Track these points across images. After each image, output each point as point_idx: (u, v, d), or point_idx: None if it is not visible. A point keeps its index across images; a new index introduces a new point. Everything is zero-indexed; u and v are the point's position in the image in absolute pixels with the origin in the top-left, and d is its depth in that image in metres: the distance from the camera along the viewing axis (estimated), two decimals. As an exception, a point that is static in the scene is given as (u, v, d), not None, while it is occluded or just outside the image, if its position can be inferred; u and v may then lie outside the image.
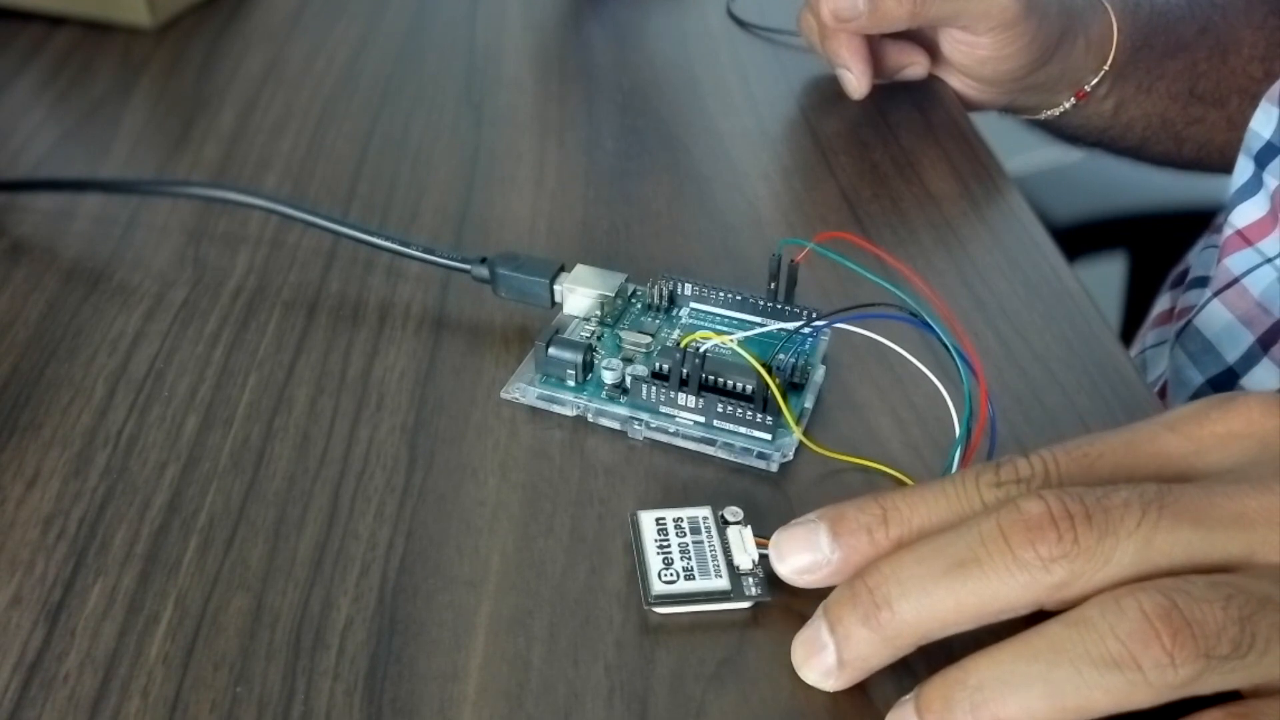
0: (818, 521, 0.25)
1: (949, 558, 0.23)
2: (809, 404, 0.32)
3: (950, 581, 0.23)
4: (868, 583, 0.24)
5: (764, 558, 0.27)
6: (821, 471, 0.30)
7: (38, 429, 0.32)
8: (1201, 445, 0.25)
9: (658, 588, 0.26)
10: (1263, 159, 0.45)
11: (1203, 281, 0.48)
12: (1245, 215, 0.46)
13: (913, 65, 0.50)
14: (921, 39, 0.50)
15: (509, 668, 0.25)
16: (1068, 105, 0.53)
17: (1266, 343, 0.43)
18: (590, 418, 0.32)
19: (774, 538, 0.26)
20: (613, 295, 0.34)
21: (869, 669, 0.24)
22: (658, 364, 0.32)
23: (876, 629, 0.23)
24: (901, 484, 0.30)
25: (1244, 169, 0.46)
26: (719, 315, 0.35)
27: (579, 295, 0.34)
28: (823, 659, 0.24)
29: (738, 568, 0.27)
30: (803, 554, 0.25)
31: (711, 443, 0.31)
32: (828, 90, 0.50)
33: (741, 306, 0.34)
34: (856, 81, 0.48)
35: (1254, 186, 0.46)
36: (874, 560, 0.24)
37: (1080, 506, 0.22)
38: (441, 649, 0.26)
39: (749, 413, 0.30)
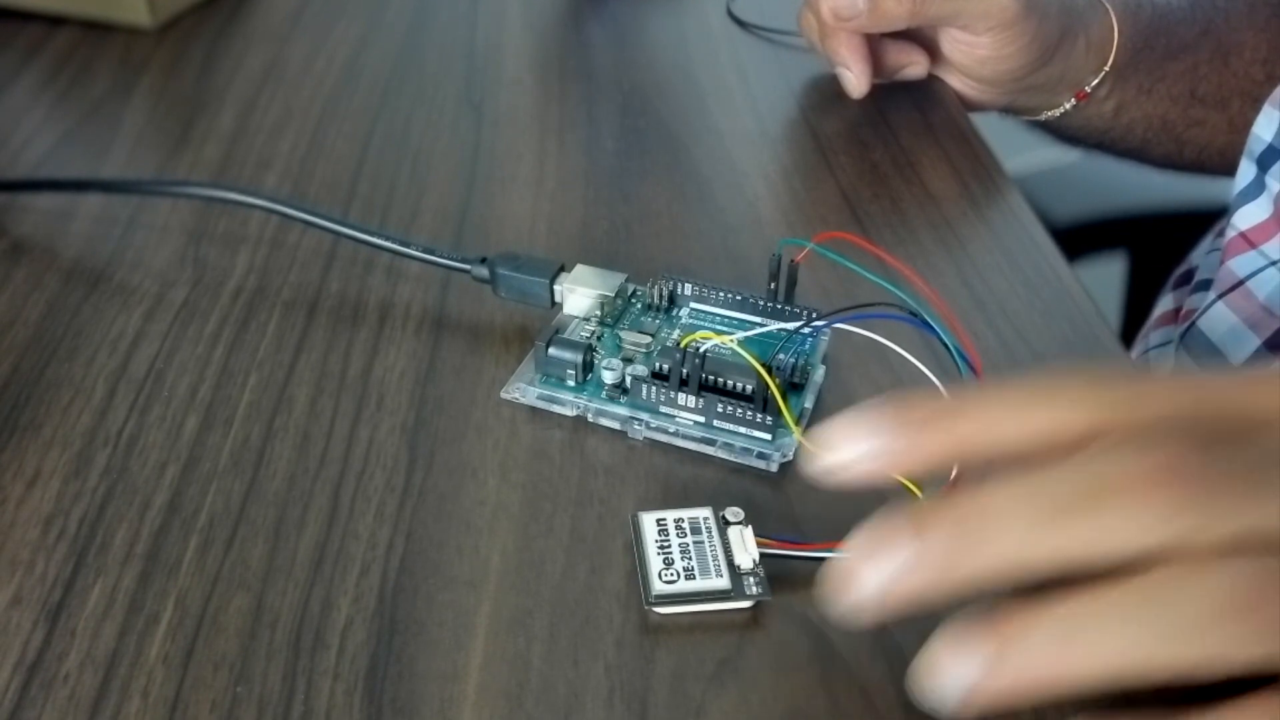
0: (881, 409, 0.22)
1: (1063, 495, 0.21)
2: (809, 404, 0.32)
3: (1062, 521, 0.21)
4: (972, 506, 0.21)
5: (765, 557, 0.27)
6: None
7: (38, 429, 0.32)
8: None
9: (658, 587, 0.26)
10: (1265, 162, 0.45)
11: (1208, 284, 0.48)
12: (1248, 218, 0.46)
13: (912, 65, 0.50)
14: (921, 39, 0.50)
15: (509, 668, 0.25)
16: (1068, 106, 0.53)
17: (1275, 345, 0.43)
18: (590, 418, 0.32)
19: (823, 428, 0.23)
20: (613, 295, 0.34)
21: (912, 599, 0.22)
22: (658, 364, 0.32)
23: (959, 558, 0.21)
24: (901, 487, 0.30)
25: (1246, 172, 0.46)
26: (719, 315, 0.35)
27: (579, 295, 0.34)
28: (880, 569, 0.22)
29: (738, 567, 0.27)
30: (861, 438, 0.23)
31: (711, 443, 0.31)
32: (828, 90, 0.50)
33: (741, 306, 0.34)
34: (856, 80, 0.48)
35: (1256, 189, 0.46)
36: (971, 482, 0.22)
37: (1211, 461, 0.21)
38: (441, 649, 0.26)
39: (749, 413, 0.30)
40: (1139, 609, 0.20)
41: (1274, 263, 0.44)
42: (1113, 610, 0.20)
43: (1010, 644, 0.21)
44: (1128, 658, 0.20)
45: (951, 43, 0.49)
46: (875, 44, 0.49)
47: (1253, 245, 0.45)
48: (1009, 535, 0.21)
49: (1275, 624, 0.20)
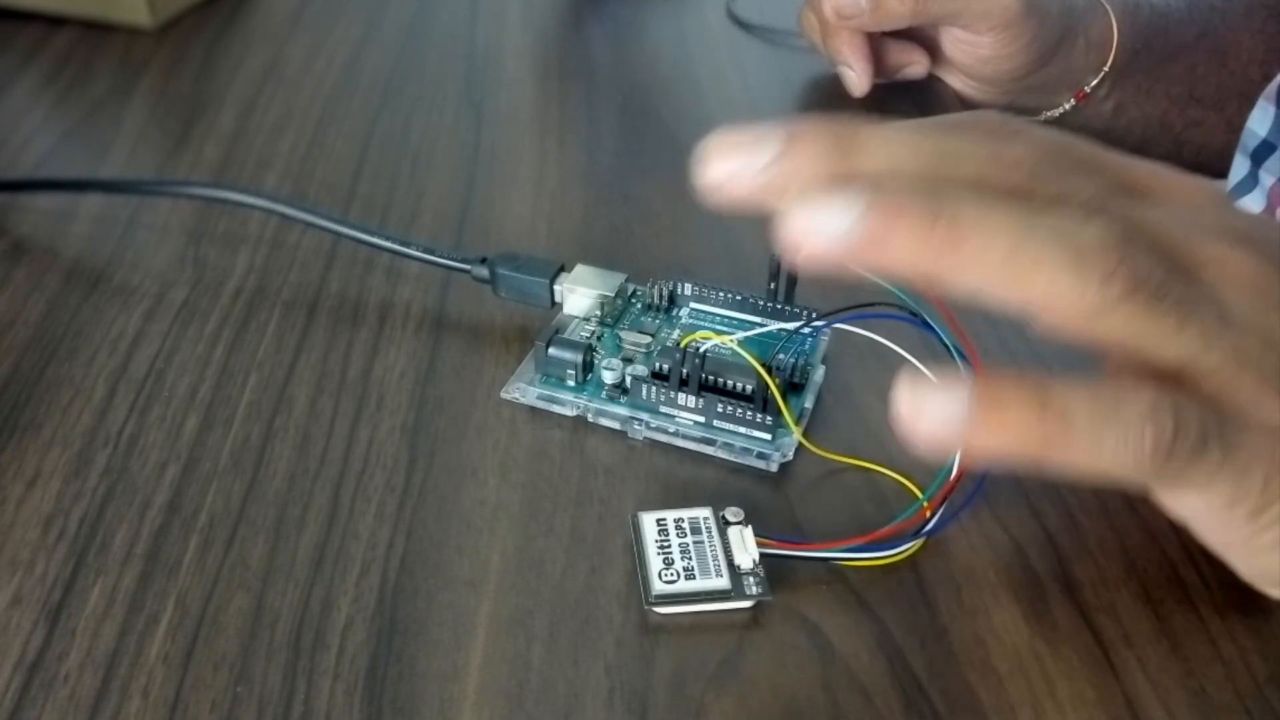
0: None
1: (931, 145, 0.23)
2: (809, 404, 0.32)
3: (927, 154, 0.23)
4: (849, 128, 0.23)
5: (765, 557, 0.27)
6: (821, 472, 0.30)
7: (38, 429, 0.32)
8: (1158, 185, 0.25)
9: (658, 587, 0.26)
10: (1259, 156, 0.45)
11: None
12: None
13: (913, 64, 0.50)
14: (922, 38, 0.51)
15: (509, 668, 0.25)
16: (1067, 106, 0.53)
17: None
18: (590, 418, 0.32)
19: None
20: (613, 295, 0.34)
21: (780, 192, 0.22)
22: (658, 364, 0.32)
23: (836, 161, 0.22)
24: (901, 485, 0.30)
25: (1240, 166, 0.46)
26: (719, 315, 0.35)
27: (579, 295, 0.34)
28: (750, 160, 0.22)
29: (738, 567, 0.27)
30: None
31: (711, 443, 0.31)
32: (828, 90, 0.50)
33: (741, 306, 0.34)
34: (857, 79, 0.48)
35: (1250, 184, 0.46)
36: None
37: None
38: (441, 649, 0.26)
39: (749, 413, 0.30)
40: (1012, 216, 0.21)
41: None
42: (992, 204, 0.21)
43: (881, 199, 0.21)
44: (986, 251, 0.21)
45: (952, 42, 0.50)
46: (876, 43, 0.49)
47: None
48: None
49: (1120, 271, 0.21)
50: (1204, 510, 0.23)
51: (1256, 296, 0.22)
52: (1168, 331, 0.21)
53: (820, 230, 0.21)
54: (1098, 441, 0.21)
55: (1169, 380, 0.22)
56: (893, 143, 0.23)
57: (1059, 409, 0.21)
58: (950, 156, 0.23)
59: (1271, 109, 0.45)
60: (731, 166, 0.23)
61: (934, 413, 0.21)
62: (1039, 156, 0.23)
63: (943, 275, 0.21)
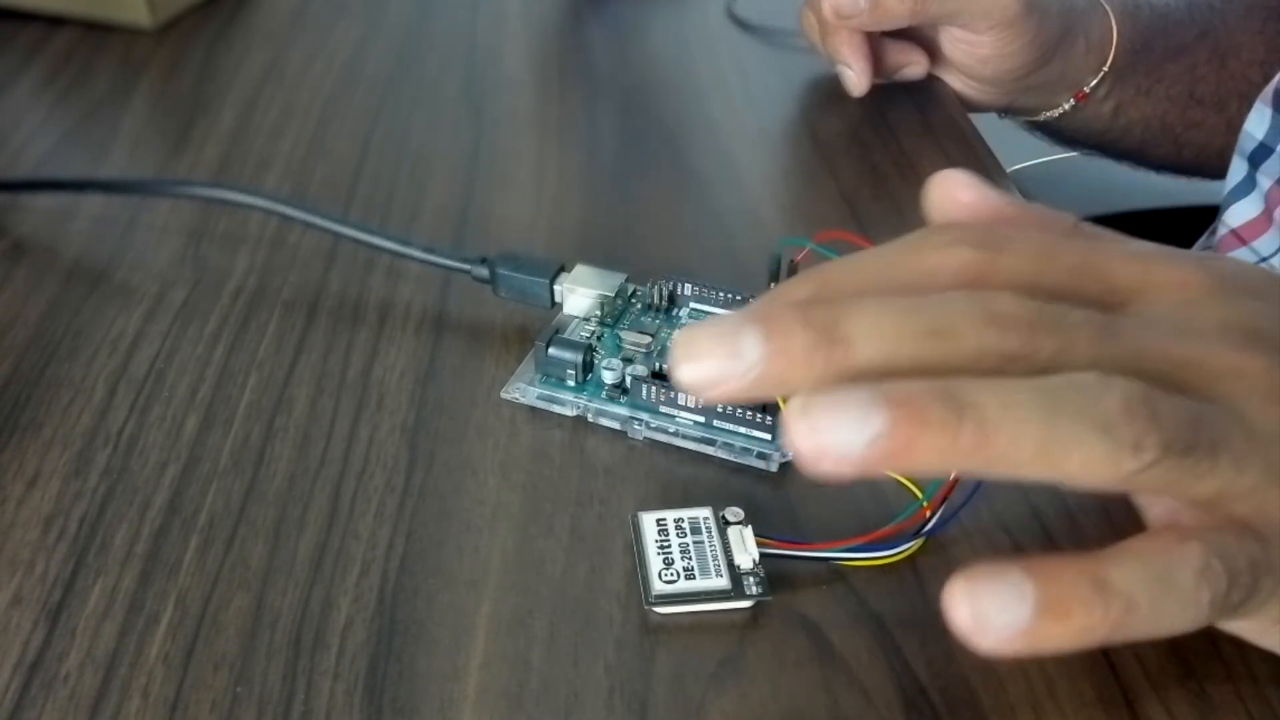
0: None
1: (920, 322, 0.21)
2: (809, 404, 0.32)
3: (919, 337, 0.21)
4: (829, 312, 0.21)
5: (765, 557, 0.27)
6: (821, 472, 0.30)
7: (38, 429, 0.32)
8: (1149, 285, 0.24)
9: (658, 587, 0.26)
10: (1256, 159, 0.45)
11: None
12: (1239, 215, 0.46)
13: (912, 65, 0.50)
14: (922, 38, 0.51)
15: (509, 668, 0.25)
16: (1067, 107, 0.53)
17: None
18: (590, 418, 0.32)
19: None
20: (613, 295, 0.34)
21: (771, 393, 0.22)
22: (658, 364, 0.32)
23: (824, 360, 0.21)
24: (901, 485, 0.30)
25: (1238, 169, 0.46)
26: (719, 315, 0.35)
27: (579, 295, 0.34)
28: (731, 365, 0.21)
29: (738, 567, 0.27)
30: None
31: (711, 443, 0.31)
32: (828, 90, 0.50)
33: (741, 306, 0.34)
34: (857, 79, 0.48)
35: (1247, 187, 0.46)
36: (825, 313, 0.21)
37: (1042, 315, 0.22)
38: (441, 649, 0.26)
39: (749, 413, 0.30)
40: (1036, 403, 0.20)
41: (1265, 259, 0.44)
42: (1011, 392, 0.20)
43: (901, 410, 0.20)
44: (1018, 444, 0.20)
45: (952, 42, 0.50)
46: (876, 43, 0.49)
47: (1244, 242, 0.45)
48: (868, 341, 0.21)
49: (1148, 436, 0.20)
50: (1258, 629, 0.24)
51: (1276, 402, 0.22)
52: (1201, 474, 0.21)
53: (837, 445, 0.20)
54: (1159, 615, 0.21)
55: (1205, 509, 0.22)
56: (879, 328, 0.21)
57: (1121, 599, 0.20)
58: (943, 332, 0.21)
59: (1268, 112, 0.45)
60: (712, 372, 0.21)
61: (1000, 623, 0.20)
62: (1028, 309, 0.22)
63: (971, 470, 0.21)
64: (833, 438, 0.20)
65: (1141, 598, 0.21)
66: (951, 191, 0.25)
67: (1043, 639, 0.20)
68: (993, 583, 0.20)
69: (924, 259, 0.23)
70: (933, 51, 0.51)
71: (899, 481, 0.30)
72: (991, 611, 0.20)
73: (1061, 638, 0.20)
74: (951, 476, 0.27)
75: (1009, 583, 0.20)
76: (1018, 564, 0.20)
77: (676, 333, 0.22)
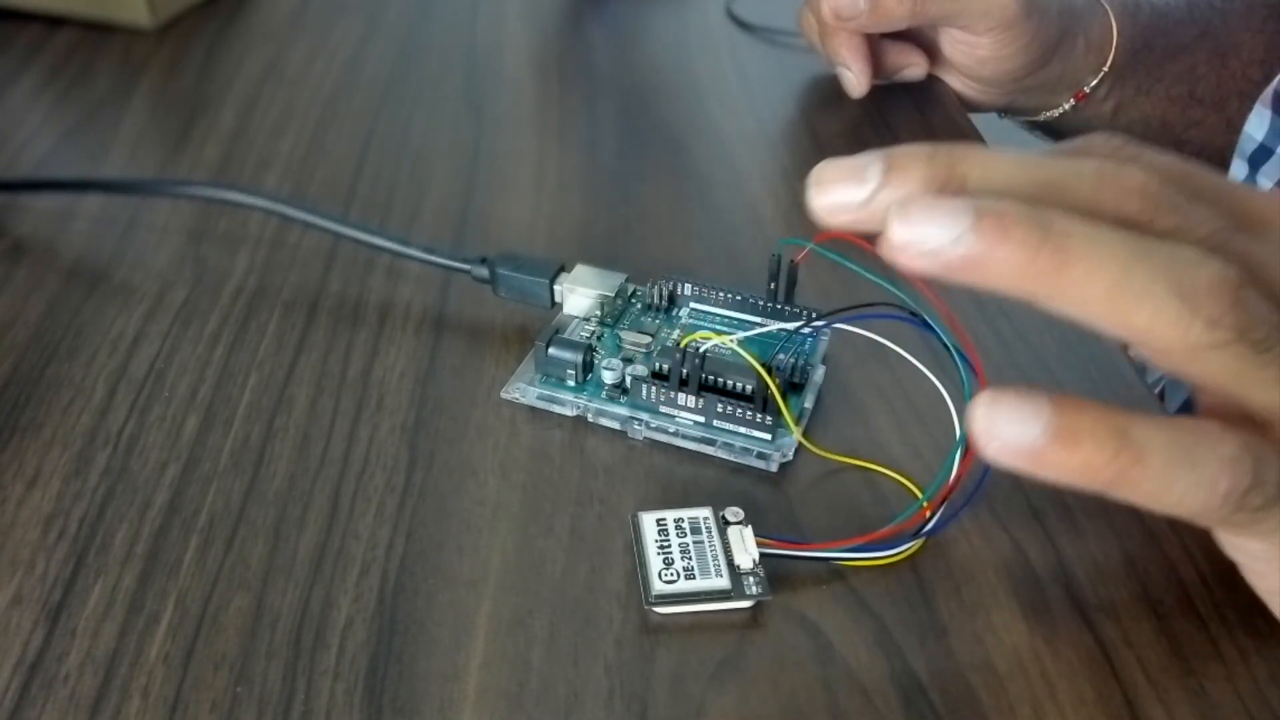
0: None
1: (1040, 174, 0.22)
2: (809, 404, 0.32)
3: (1036, 185, 0.22)
4: (950, 154, 0.22)
5: (765, 557, 0.27)
6: (821, 472, 0.31)
7: (38, 429, 0.32)
8: None
9: (658, 587, 0.26)
10: (1256, 161, 0.45)
11: None
12: None
13: (912, 66, 0.50)
14: (921, 39, 0.51)
15: (509, 668, 0.25)
16: (1067, 107, 0.53)
17: None
18: (590, 418, 0.32)
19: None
20: (613, 295, 0.34)
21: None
22: (658, 364, 0.32)
23: (940, 191, 0.22)
24: (901, 485, 0.30)
25: (1237, 171, 0.46)
26: (719, 315, 0.35)
27: (579, 295, 0.34)
28: (856, 190, 0.23)
29: (738, 567, 0.27)
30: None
31: (711, 443, 0.31)
32: (828, 90, 0.50)
33: (741, 306, 0.34)
34: (856, 80, 0.48)
35: None
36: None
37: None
38: (441, 649, 0.26)
39: (749, 413, 0.30)
40: (1120, 244, 0.20)
41: None
42: (1103, 232, 0.21)
43: (988, 215, 0.20)
44: (1091, 279, 0.20)
45: (951, 43, 0.50)
46: (875, 44, 0.49)
47: None
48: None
49: (1226, 317, 0.20)
50: (1261, 557, 0.23)
51: None
52: (1266, 381, 0.21)
53: (924, 242, 0.21)
54: (1170, 482, 0.21)
55: (1257, 428, 0.22)
56: (1001, 163, 0.22)
57: (1137, 446, 0.20)
58: (1063, 180, 0.22)
59: (1268, 113, 0.45)
60: (836, 198, 0.23)
61: (1008, 434, 0.20)
62: (1157, 184, 0.22)
63: (1043, 297, 0.21)
64: (922, 231, 0.21)
65: (1156, 459, 0.20)
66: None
67: (1046, 463, 0.20)
68: (1015, 399, 0.20)
69: (1059, 159, 0.23)
70: (932, 52, 0.51)
71: (899, 481, 0.30)
72: (1003, 422, 0.20)
73: (1064, 467, 0.20)
74: (952, 476, 0.27)
75: (1030, 401, 0.20)
76: (1048, 392, 0.21)
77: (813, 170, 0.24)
